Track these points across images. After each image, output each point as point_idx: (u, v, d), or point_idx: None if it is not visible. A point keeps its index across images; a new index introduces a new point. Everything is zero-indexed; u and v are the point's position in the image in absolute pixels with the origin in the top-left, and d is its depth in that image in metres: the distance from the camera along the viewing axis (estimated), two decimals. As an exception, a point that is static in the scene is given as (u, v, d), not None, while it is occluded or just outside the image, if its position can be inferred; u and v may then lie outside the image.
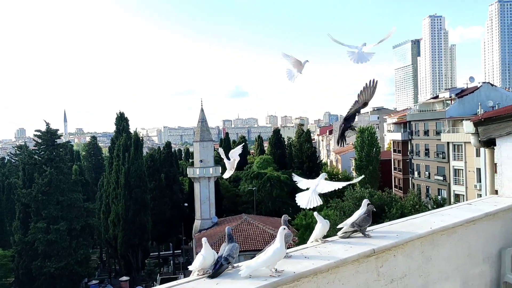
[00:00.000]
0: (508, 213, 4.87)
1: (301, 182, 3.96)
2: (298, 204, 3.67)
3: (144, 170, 50.00)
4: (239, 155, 4.69)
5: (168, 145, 69.49)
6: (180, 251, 61.95)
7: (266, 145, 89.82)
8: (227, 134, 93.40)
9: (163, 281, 50.15)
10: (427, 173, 52.74)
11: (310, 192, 3.67)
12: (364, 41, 3.95)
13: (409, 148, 57.76)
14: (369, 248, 3.37)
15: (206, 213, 47.37)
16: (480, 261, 4.46)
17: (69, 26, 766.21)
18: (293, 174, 3.96)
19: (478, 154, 40.37)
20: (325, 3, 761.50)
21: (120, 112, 54.87)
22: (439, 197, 47.35)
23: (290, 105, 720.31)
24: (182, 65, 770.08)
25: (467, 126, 34.64)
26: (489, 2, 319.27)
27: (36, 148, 50.84)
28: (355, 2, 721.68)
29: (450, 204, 30.63)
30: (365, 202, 3.89)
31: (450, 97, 53.04)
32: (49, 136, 48.51)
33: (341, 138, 4.06)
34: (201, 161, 48.06)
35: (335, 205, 33.83)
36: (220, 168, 50.20)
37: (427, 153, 52.99)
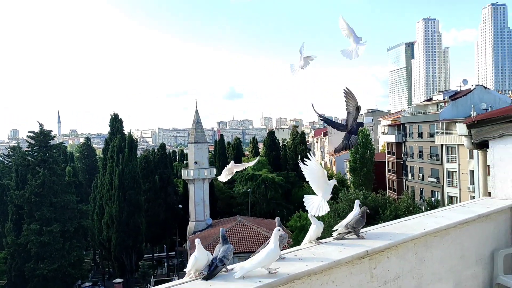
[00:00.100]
0: (500, 215, 4.90)
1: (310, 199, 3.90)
2: (306, 209, 3.69)
3: (138, 172, 49.87)
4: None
5: (162, 146, 69.36)
6: (174, 253, 61.78)
7: (260, 146, 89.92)
8: (221, 135, 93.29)
9: (157, 283, 49.97)
10: (421, 175, 52.97)
11: (319, 199, 3.70)
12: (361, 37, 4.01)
13: (403, 150, 58.00)
14: (362, 249, 3.37)
15: (200, 214, 47.27)
16: (473, 263, 4.49)
17: (63, 27, 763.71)
18: (305, 196, 3.89)
19: (471, 156, 40.62)
20: (320, 6, 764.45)
21: (114, 114, 54.76)
22: (433, 199, 47.60)
23: (285, 107, 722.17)
24: (177, 66, 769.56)
25: (460, 128, 34.75)
26: (482, 5, 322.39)
27: (29, 149, 50.61)
28: (350, 5, 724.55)
29: (443, 206, 30.78)
30: (357, 202, 3.90)
31: (444, 99, 53.37)
32: (42, 137, 48.28)
33: (348, 147, 4.06)
34: (195, 162, 47.98)
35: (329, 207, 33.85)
36: (215, 169, 50.16)
37: (421, 155, 53.25)
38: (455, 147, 45.79)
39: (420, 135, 53.88)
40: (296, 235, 34.12)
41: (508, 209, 5.01)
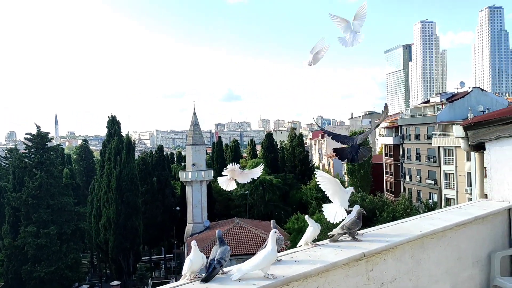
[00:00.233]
0: (497, 217, 4.91)
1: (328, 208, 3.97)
2: (325, 217, 3.87)
3: (136, 174, 49.74)
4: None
5: (160, 148, 69.27)
6: (172, 255, 61.63)
7: (258, 148, 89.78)
8: (219, 137, 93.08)
9: (154, 286, 49.88)
10: (418, 177, 53.04)
11: (337, 206, 3.83)
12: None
13: (401, 152, 58.08)
14: (359, 251, 3.37)
15: (198, 217, 47.19)
16: (470, 265, 4.49)
17: (60, 28, 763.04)
18: (324, 205, 4.02)
19: (468, 158, 40.74)
20: (317, 8, 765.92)
21: (112, 115, 54.66)
22: (430, 201, 47.68)
23: (283, 108, 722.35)
24: (174, 67, 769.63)
25: (457, 130, 34.91)
26: (479, 8, 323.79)
27: (26, 151, 50.40)
28: (347, 7, 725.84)
29: (441, 208, 30.82)
30: (356, 207, 3.91)
31: (441, 101, 53.48)
32: (39, 139, 48.11)
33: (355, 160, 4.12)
34: (193, 164, 47.92)
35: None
36: (212, 171, 50.08)
37: (418, 157, 53.34)
38: (452, 149, 45.89)
39: (417, 137, 53.99)
40: (294, 237, 34.14)
41: (505, 211, 5.02)
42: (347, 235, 3.75)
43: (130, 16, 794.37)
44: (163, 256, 63.50)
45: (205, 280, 2.87)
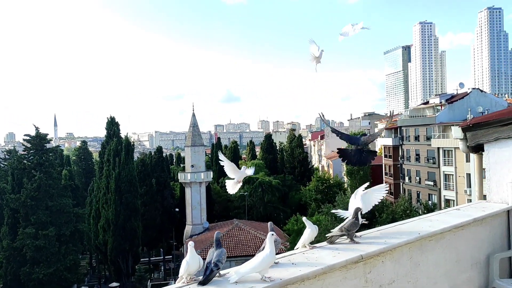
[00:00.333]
0: (496, 219, 4.89)
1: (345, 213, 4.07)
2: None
3: (135, 175, 49.74)
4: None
5: (159, 149, 69.24)
6: (171, 256, 61.55)
7: (258, 150, 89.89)
8: (218, 139, 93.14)
9: (153, 287, 49.88)
10: (417, 178, 53.04)
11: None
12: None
13: (400, 154, 58.07)
14: (357, 254, 3.35)
15: (197, 218, 47.14)
16: (468, 267, 4.47)
17: (60, 29, 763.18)
18: (338, 210, 4.14)
19: (468, 160, 40.69)
20: (316, 10, 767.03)
21: (111, 117, 54.68)
22: (430, 202, 47.63)
23: (282, 110, 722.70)
24: (174, 69, 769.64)
25: (456, 132, 34.94)
26: (479, 9, 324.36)
27: (25, 152, 50.33)
28: (346, 9, 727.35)
29: (440, 209, 30.80)
30: (356, 209, 3.89)
31: (440, 102, 53.52)
32: (38, 140, 48.05)
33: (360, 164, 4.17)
34: (192, 166, 47.90)
35: (326, 211, 33.88)
36: (212, 173, 50.04)
37: (417, 159, 53.33)
38: (451, 150, 45.88)
39: (417, 138, 54.00)
40: (293, 239, 34.09)
41: (504, 213, 5.00)
42: (345, 236, 3.74)
43: (129, 17, 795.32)
44: (162, 257, 63.45)
45: (203, 283, 2.84)
